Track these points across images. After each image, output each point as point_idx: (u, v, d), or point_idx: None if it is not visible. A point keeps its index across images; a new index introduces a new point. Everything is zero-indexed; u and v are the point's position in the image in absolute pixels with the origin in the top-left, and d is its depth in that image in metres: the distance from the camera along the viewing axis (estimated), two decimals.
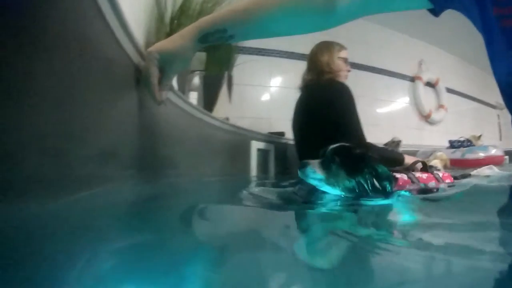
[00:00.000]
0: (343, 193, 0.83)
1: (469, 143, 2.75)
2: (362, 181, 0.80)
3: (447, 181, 1.05)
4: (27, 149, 0.37)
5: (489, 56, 0.62)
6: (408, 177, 0.93)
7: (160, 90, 0.75)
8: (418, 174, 0.98)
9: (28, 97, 0.36)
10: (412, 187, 0.91)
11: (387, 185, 0.80)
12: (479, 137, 2.95)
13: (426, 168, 1.06)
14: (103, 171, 0.58)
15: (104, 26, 0.59)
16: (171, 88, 0.81)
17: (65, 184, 0.45)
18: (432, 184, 0.98)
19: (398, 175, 0.90)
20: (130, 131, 0.74)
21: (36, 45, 0.38)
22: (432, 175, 1.02)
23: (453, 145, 2.77)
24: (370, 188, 0.79)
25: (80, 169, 0.49)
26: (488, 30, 0.60)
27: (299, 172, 0.86)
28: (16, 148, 0.35)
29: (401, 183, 0.89)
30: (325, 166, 0.83)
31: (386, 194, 0.79)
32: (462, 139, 2.82)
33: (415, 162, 1.08)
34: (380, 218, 0.64)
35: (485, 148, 2.59)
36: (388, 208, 0.74)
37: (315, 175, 0.83)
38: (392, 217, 0.68)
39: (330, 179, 0.82)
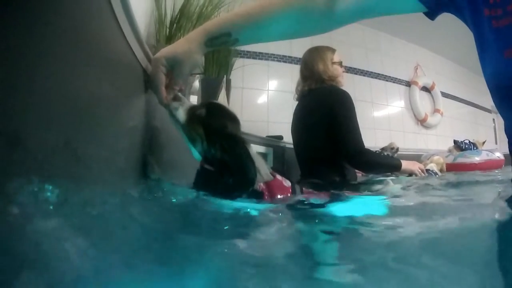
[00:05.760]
0: (197, 157, 0.72)
1: (475, 147, 2.74)
2: (215, 152, 0.68)
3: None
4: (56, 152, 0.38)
5: (480, 58, 0.64)
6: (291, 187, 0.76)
7: (168, 95, 0.76)
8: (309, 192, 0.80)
9: (49, 98, 0.37)
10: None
11: (251, 169, 0.66)
12: (483, 143, 2.97)
13: None
14: (115, 173, 0.59)
15: (116, 30, 0.60)
16: (179, 90, 0.81)
17: (86, 186, 0.46)
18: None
19: (279, 177, 0.75)
20: (139, 133, 0.74)
21: (57, 47, 0.39)
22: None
23: (459, 145, 2.75)
24: (226, 163, 0.66)
25: (97, 171, 0.50)
26: (480, 32, 0.62)
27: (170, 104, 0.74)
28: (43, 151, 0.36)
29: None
30: (191, 113, 0.73)
31: (245, 183, 0.66)
32: (466, 141, 2.81)
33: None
34: None
35: (478, 152, 2.57)
36: None
37: (177, 113, 0.73)
38: None
39: (188, 129, 0.72)
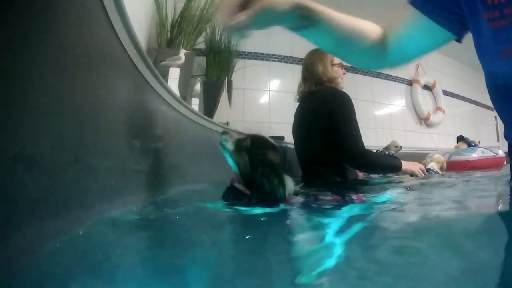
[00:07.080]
0: (237, 172, 0.87)
1: (475, 145, 2.73)
2: (255, 175, 0.82)
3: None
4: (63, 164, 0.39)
5: (479, 60, 0.66)
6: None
7: (233, 18, 0.59)
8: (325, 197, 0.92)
9: (52, 113, 0.39)
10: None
11: (280, 191, 0.81)
12: (479, 142, 2.97)
13: None
14: (119, 181, 0.60)
15: (114, 39, 0.62)
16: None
17: (94, 196, 0.47)
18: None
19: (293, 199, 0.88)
20: (137, 140, 0.76)
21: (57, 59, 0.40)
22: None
23: (466, 140, 2.74)
24: (261, 185, 0.80)
25: (103, 181, 0.51)
26: (478, 35, 0.64)
27: (220, 136, 0.89)
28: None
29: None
30: (239, 144, 0.88)
31: (273, 201, 0.81)
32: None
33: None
34: None
35: (474, 149, 2.55)
36: None
37: (225, 143, 0.88)
38: None
39: (236, 155, 0.87)
